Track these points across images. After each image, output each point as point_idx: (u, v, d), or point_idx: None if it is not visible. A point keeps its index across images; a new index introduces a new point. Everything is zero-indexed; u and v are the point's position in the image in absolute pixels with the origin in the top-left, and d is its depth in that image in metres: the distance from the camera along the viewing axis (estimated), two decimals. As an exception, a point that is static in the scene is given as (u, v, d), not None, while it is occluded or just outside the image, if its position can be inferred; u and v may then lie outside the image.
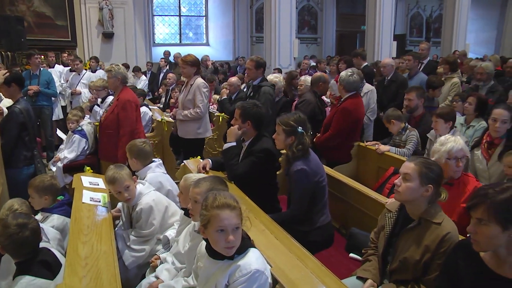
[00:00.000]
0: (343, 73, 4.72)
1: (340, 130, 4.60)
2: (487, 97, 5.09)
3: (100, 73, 9.01)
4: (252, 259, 1.91)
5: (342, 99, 4.73)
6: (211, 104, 7.41)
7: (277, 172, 3.67)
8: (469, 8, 13.54)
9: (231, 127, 3.50)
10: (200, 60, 5.26)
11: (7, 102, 4.44)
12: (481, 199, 1.72)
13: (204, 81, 5.10)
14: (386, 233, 2.41)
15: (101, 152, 4.94)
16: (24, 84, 4.70)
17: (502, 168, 3.45)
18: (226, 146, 3.44)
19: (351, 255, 3.18)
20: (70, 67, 8.57)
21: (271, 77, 5.90)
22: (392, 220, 2.41)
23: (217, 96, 7.29)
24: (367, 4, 12.10)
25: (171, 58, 11.49)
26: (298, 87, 5.92)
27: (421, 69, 7.02)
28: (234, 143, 3.44)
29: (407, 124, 4.47)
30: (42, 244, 2.54)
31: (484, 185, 1.94)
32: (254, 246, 1.99)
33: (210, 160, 3.66)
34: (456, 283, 1.92)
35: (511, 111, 3.57)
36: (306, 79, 5.84)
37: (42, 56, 8.40)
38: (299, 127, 3.08)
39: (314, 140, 4.76)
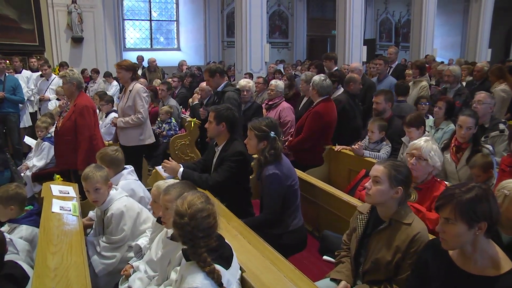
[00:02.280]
0: (316, 78, 4.77)
1: (311, 133, 4.65)
2: (454, 99, 5.25)
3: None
4: (199, 278, 1.88)
5: (314, 103, 4.79)
6: (183, 112, 7.36)
7: (250, 177, 3.68)
8: (435, 14, 13.97)
9: (167, 164, 3.51)
10: (134, 65, 5.19)
11: None
12: (448, 199, 1.79)
13: (143, 86, 5.05)
14: (358, 235, 2.44)
15: (59, 160, 4.76)
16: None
17: (470, 171, 3.56)
18: (180, 175, 3.42)
19: (325, 257, 3.21)
20: (40, 73, 8.34)
21: (243, 82, 5.85)
22: (363, 222, 2.45)
23: (190, 100, 7.25)
24: (337, 9, 12.29)
25: (144, 63, 11.35)
26: (269, 92, 5.92)
27: (390, 73, 7.19)
28: (182, 168, 3.46)
29: (385, 136, 4.47)
30: (10, 257, 2.45)
31: (451, 185, 2.00)
32: (210, 273, 1.91)
33: (181, 166, 3.63)
34: (427, 281, 1.97)
35: (475, 117, 3.67)
36: (277, 83, 5.85)
37: (8, 61, 8.15)
38: (271, 132, 3.09)
39: (286, 144, 4.80)
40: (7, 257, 2.44)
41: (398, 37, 19.89)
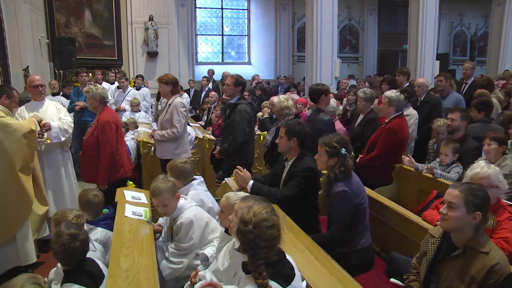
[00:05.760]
0: (391, 94, 4.67)
1: (385, 150, 4.56)
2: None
3: (144, 90, 9.34)
4: None
5: (387, 120, 4.70)
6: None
7: (318, 193, 3.64)
8: (517, 26, 13.08)
9: (240, 172, 3.54)
10: (176, 80, 5.17)
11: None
12: None
13: (182, 101, 5.04)
14: (428, 259, 2.34)
15: (83, 174, 4.80)
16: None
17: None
18: (249, 187, 3.45)
19: (392, 280, 3.10)
20: (117, 84, 8.91)
21: (275, 99, 5.54)
22: (435, 246, 2.35)
23: (259, 114, 7.34)
24: (409, 22, 11.93)
25: (215, 77, 11.74)
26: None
27: (465, 90, 6.83)
28: (252, 181, 3.48)
29: (456, 159, 4.27)
30: (89, 254, 2.64)
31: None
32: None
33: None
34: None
35: None
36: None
37: (90, 74, 8.82)
38: (342, 149, 3.06)
39: (357, 160, 4.70)
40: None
41: (474, 51, 18.82)
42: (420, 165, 4.35)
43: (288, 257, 2.09)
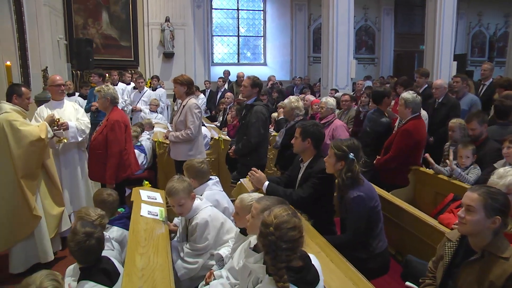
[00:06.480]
0: (408, 95, 4.64)
1: (399, 151, 4.52)
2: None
3: (160, 91, 9.42)
4: None
5: (404, 121, 4.67)
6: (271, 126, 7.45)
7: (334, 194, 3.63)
8: (538, 26, 12.80)
9: (255, 174, 3.55)
10: (191, 81, 5.16)
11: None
12: None
13: (196, 102, 5.02)
14: (445, 263, 2.31)
15: (90, 173, 4.82)
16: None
17: None
18: (265, 188, 3.45)
19: (408, 283, 3.06)
20: (133, 85, 8.99)
21: (286, 101, 5.56)
22: (452, 250, 2.31)
23: (275, 114, 7.34)
24: (426, 23, 11.79)
25: (231, 78, 11.77)
26: (320, 110, 5.75)
27: (482, 91, 6.71)
28: (268, 182, 3.49)
29: (475, 160, 4.22)
30: (106, 252, 2.68)
31: None
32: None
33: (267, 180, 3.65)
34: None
35: None
36: (328, 100, 5.65)
37: (107, 74, 8.93)
38: (351, 154, 3.03)
39: (374, 162, 4.69)
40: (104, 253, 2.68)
41: (493, 51, 18.48)
42: (445, 169, 4.28)
43: (313, 260, 2.08)
